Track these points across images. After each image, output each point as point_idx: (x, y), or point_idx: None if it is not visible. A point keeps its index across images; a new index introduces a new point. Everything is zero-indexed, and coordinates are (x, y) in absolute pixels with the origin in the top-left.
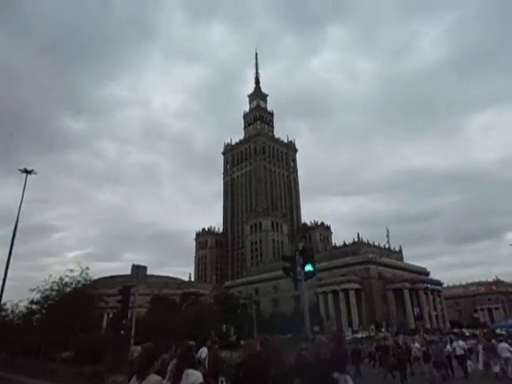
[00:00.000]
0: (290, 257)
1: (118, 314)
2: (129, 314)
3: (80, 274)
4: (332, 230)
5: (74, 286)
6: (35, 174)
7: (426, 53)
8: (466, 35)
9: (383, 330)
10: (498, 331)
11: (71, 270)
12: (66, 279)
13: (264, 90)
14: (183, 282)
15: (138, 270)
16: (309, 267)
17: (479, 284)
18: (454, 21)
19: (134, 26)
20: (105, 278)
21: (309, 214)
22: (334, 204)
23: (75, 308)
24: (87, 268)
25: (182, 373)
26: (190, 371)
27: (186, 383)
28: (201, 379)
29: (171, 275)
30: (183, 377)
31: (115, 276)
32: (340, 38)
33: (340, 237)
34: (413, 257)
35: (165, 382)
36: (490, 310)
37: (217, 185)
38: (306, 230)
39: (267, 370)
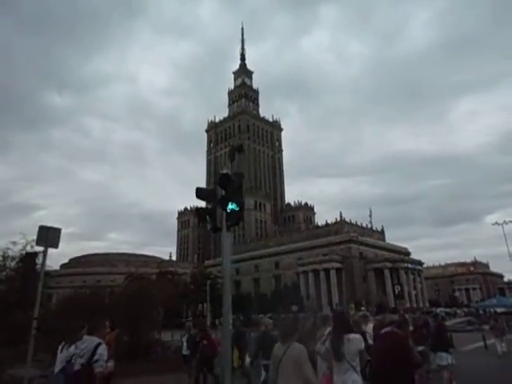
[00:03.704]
0: (206, 190)
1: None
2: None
3: (24, 247)
4: (318, 212)
5: (18, 260)
6: None
7: (417, 36)
8: (457, 19)
9: (363, 308)
10: (480, 311)
11: (14, 243)
12: (9, 252)
13: (254, 68)
14: (163, 260)
15: (48, 232)
16: (232, 205)
17: (458, 265)
18: (445, 4)
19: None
20: (81, 256)
21: (295, 195)
22: (320, 186)
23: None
24: (33, 240)
25: (342, 338)
26: (351, 336)
27: (349, 348)
28: (363, 343)
29: (155, 254)
30: (344, 342)
31: (93, 254)
32: (332, 18)
33: (325, 219)
34: (395, 239)
35: (318, 346)
36: (467, 290)
37: (202, 164)
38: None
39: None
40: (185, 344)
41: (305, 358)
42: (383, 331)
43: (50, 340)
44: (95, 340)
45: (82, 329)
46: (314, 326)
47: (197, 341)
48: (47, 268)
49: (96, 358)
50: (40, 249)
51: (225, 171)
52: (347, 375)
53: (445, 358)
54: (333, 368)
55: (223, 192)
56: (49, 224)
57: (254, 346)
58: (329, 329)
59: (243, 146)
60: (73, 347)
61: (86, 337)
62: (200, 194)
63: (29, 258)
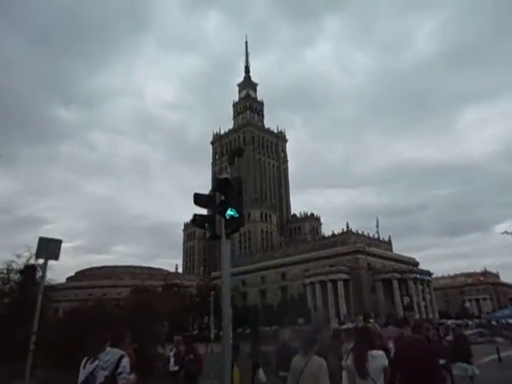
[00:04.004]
0: (204, 196)
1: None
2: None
3: (28, 260)
4: (324, 223)
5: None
6: None
7: (421, 47)
8: (460, 30)
9: (371, 320)
10: (493, 323)
11: (18, 256)
12: (13, 265)
13: (258, 80)
14: (169, 273)
15: (48, 244)
16: (231, 211)
17: (467, 275)
18: (449, 15)
19: (129, 14)
20: (86, 269)
21: (301, 205)
22: (326, 196)
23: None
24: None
25: (365, 355)
26: (375, 352)
27: (374, 365)
28: (386, 360)
29: (161, 267)
30: (368, 358)
31: (99, 267)
32: (336, 29)
33: (332, 229)
34: (403, 249)
35: (344, 361)
36: (477, 300)
37: (207, 176)
38: (295, 220)
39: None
40: (172, 360)
41: (324, 372)
42: (406, 337)
43: (50, 355)
44: (118, 352)
45: (105, 342)
46: (339, 340)
47: (182, 356)
48: (51, 281)
49: (120, 370)
50: (41, 261)
51: (224, 176)
52: None
53: (465, 369)
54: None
55: (222, 197)
56: (56, 237)
57: (274, 358)
58: (351, 344)
59: (243, 149)
60: (96, 361)
61: (108, 349)
62: (198, 200)
63: (29, 271)
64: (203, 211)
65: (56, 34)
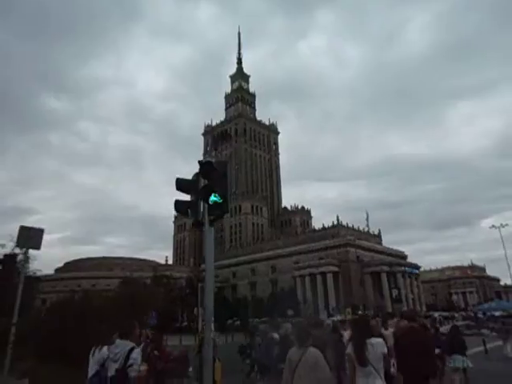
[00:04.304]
0: (187, 181)
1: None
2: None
3: (12, 250)
4: (315, 216)
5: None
6: None
7: (414, 40)
8: (454, 23)
9: (359, 313)
10: (479, 315)
11: (2, 246)
12: None
13: (251, 72)
14: (159, 264)
15: (30, 232)
16: (214, 196)
17: (454, 268)
18: (442, 9)
19: (120, 3)
20: (76, 260)
21: (292, 198)
22: (317, 189)
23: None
24: None
25: (364, 343)
26: (374, 340)
27: (374, 353)
28: (385, 347)
29: (151, 258)
30: (368, 347)
31: (88, 258)
32: (329, 21)
33: (322, 222)
34: (392, 242)
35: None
36: (464, 293)
37: (197, 167)
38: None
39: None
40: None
41: (320, 363)
42: (405, 326)
43: (32, 347)
44: (129, 344)
45: (114, 333)
46: (339, 333)
47: (148, 352)
48: (37, 272)
49: (130, 362)
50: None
51: (207, 159)
52: (371, 379)
53: (461, 361)
54: (354, 372)
55: (204, 184)
56: (46, 229)
57: (277, 349)
58: (346, 332)
59: (229, 134)
60: (105, 349)
61: (118, 341)
62: (180, 185)
63: (8, 260)
64: (188, 198)
65: (46, 23)
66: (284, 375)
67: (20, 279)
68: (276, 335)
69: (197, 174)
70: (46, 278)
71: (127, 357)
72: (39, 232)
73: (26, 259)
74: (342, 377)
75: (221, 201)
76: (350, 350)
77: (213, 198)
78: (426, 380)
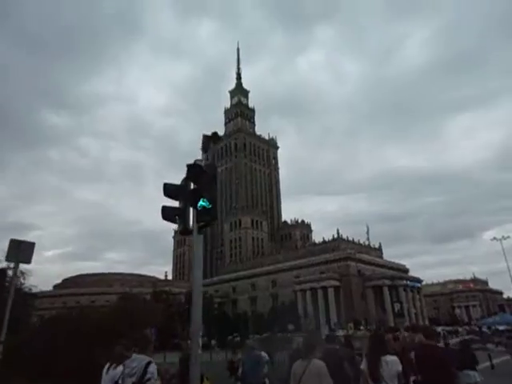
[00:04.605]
0: (175, 186)
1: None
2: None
3: (7, 266)
4: (315, 230)
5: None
6: None
7: (412, 55)
8: (453, 38)
9: (361, 327)
10: (483, 329)
11: None
12: None
13: (250, 88)
14: (159, 280)
15: (20, 246)
16: (203, 201)
17: (457, 282)
18: (441, 24)
19: (122, 20)
20: (75, 276)
21: (292, 212)
22: (317, 203)
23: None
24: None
25: (379, 360)
26: (389, 357)
27: (389, 371)
28: (400, 365)
29: (151, 274)
30: (382, 364)
31: (87, 274)
32: (328, 37)
33: (322, 236)
34: (393, 256)
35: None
36: (467, 307)
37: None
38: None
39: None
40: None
41: (325, 373)
42: (420, 343)
43: (22, 366)
44: (145, 358)
45: (130, 348)
46: (351, 347)
47: None
48: (33, 289)
49: (148, 376)
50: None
51: (196, 162)
52: None
53: (472, 376)
54: None
55: (193, 188)
56: (46, 245)
57: (288, 363)
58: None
59: (217, 134)
60: (120, 367)
61: (135, 355)
62: (169, 190)
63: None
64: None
65: (47, 40)
66: None
67: (10, 293)
68: (264, 354)
69: (186, 179)
70: (44, 295)
71: (144, 371)
72: (30, 245)
73: (16, 273)
74: None
75: (209, 206)
76: (364, 365)
77: (201, 203)
78: None
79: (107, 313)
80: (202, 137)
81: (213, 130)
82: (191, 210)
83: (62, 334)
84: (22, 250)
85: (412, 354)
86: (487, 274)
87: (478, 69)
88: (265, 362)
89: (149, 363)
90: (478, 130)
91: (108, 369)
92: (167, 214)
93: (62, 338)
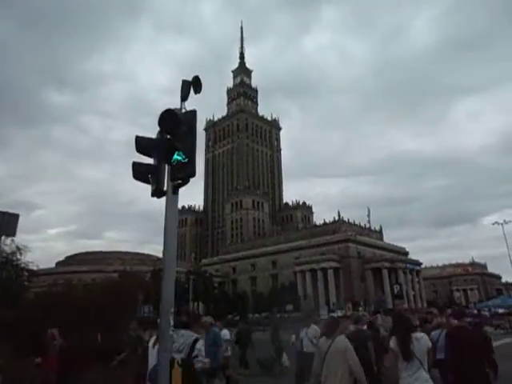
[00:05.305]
0: (148, 140)
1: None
2: None
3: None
4: (316, 212)
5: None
6: None
7: (419, 36)
8: (460, 20)
9: (360, 308)
10: (483, 312)
11: None
12: None
13: (254, 68)
14: (158, 259)
15: (4, 218)
16: (178, 155)
17: (455, 265)
18: (449, 4)
19: None
20: (77, 254)
21: (294, 194)
22: (319, 186)
23: None
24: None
25: (410, 337)
26: (418, 334)
27: (420, 347)
28: (430, 342)
29: (153, 253)
30: (413, 340)
31: (89, 252)
32: (334, 17)
33: (324, 218)
34: (394, 239)
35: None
36: (465, 290)
37: (200, 163)
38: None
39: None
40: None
41: (350, 348)
42: (457, 326)
43: (12, 341)
44: (193, 335)
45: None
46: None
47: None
48: (28, 264)
49: (195, 353)
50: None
51: (170, 109)
52: (418, 373)
53: None
54: (398, 367)
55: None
56: (49, 223)
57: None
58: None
59: (199, 78)
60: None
61: (182, 331)
62: (141, 145)
63: None
64: (194, 200)
65: (47, 16)
66: (314, 362)
67: None
68: (225, 331)
69: (160, 132)
70: (45, 272)
71: (192, 348)
72: (14, 217)
73: (0, 245)
74: (381, 370)
75: (185, 160)
76: (393, 344)
77: (176, 156)
78: (486, 377)
79: (99, 290)
80: (205, 119)
81: (215, 110)
82: (165, 167)
83: (53, 310)
84: (6, 223)
85: (439, 335)
86: (487, 259)
87: (485, 52)
88: (224, 341)
89: (196, 340)
90: (483, 115)
91: (154, 343)
92: (139, 172)
93: (53, 312)
